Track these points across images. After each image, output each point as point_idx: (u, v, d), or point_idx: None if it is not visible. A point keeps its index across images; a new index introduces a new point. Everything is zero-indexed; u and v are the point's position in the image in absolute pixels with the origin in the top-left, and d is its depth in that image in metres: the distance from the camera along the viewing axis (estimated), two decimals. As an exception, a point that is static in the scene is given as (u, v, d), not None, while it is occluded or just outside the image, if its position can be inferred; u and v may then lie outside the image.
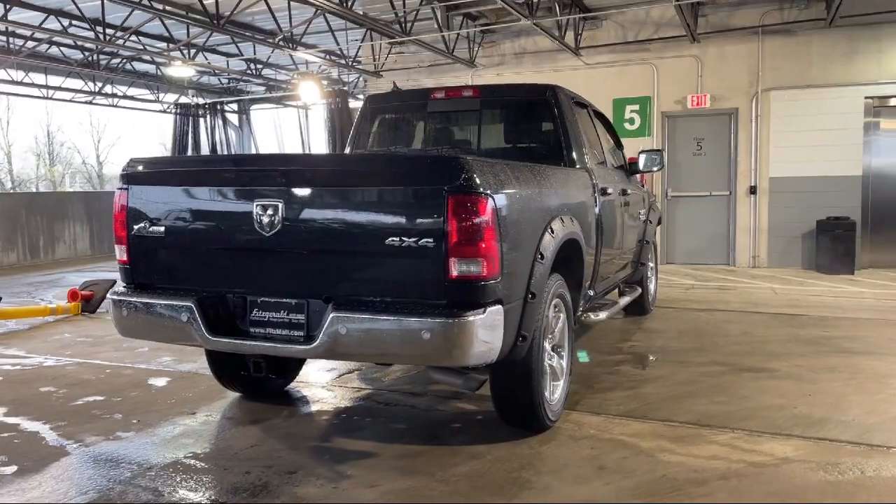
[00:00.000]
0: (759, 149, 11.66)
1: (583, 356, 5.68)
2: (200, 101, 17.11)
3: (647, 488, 3.31)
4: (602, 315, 5.38)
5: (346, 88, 14.64)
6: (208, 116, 16.76)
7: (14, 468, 3.61)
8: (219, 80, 16.93)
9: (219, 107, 17.30)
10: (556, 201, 4.00)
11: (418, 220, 3.14)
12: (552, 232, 3.81)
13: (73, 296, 8.09)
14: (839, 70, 11.19)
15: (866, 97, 11.13)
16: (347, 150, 5.64)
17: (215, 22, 9.41)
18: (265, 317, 3.52)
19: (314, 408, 4.58)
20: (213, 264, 3.64)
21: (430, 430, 4.16)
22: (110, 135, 48.43)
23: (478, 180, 3.10)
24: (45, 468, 3.61)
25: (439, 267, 3.12)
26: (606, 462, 3.62)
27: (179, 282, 3.70)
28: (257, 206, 3.39)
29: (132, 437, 4.06)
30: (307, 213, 3.37)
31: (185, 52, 11.90)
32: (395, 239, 3.16)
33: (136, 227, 3.71)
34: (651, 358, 5.76)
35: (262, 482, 3.41)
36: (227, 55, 14.54)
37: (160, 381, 5.22)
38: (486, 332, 3.16)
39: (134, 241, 3.74)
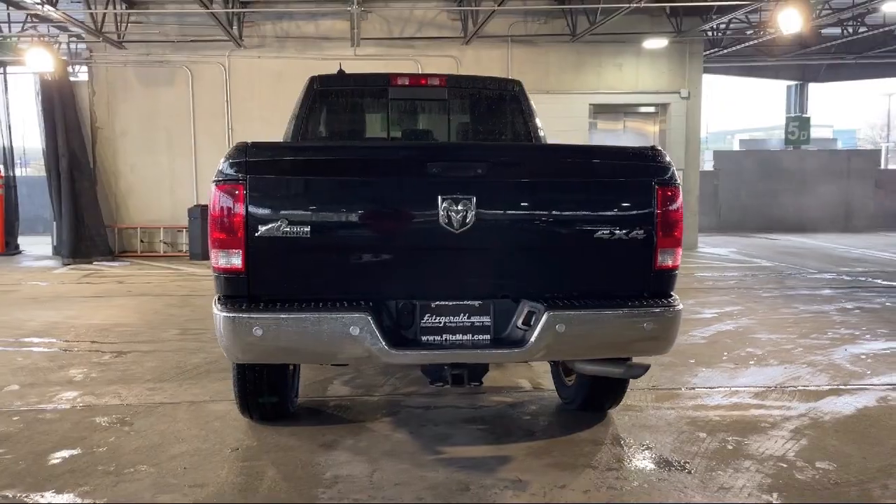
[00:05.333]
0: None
1: None
2: None
3: (777, 444, 3.81)
4: None
5: (65, 58, 12.32)
6: None
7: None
8: None
9: None
10: None
11: (629, 213, 3.19)
12: None
13: None
14: (570, 79, 13.05)
15: (590, 103, 13.18)
16: (291, 134, 5.02)
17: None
18: (440, 322, 3.17)
19: (361, 422, 4.14)
20: (380, 267, 3.14)
21: (512, 426, 4.15)
22: None
23: (677, 173, 3.26)
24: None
25: (648, 258, 3.21)
26: (704, 428, 4.04)
27: (328, 290, 3.10)
28: (445, 200, 3.04)
29: (218, 489, 3.26)
30: (505, 208, 3.14)
31: None
32: (604, 232, 3.15)
33: (262, 227, 2.99)
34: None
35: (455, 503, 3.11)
36: None
37: (112, 420, 4.14)
38: None
39: (258, 245, 3.00)
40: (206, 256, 11.80)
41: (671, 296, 3.30)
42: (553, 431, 4.03)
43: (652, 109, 13.63)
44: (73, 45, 12.81)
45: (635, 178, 3.22)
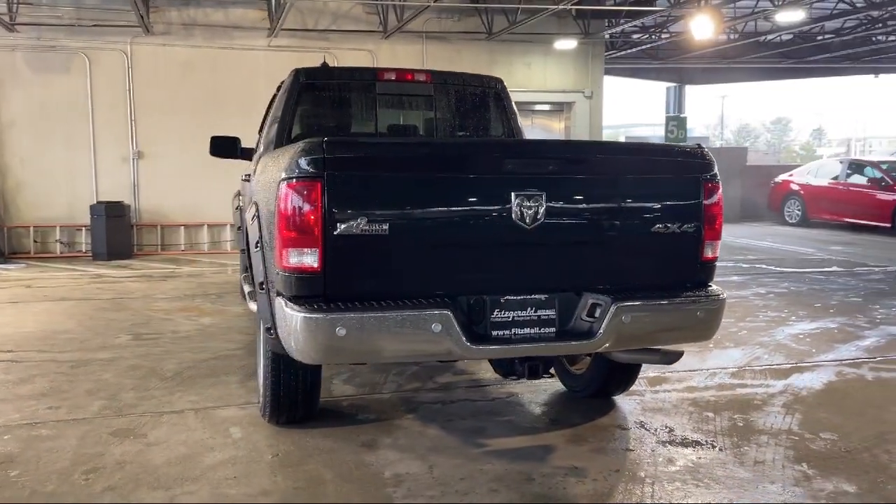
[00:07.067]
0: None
1: None
2: None
3: (778, 419, 4.16)
4: None
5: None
6: None
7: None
8: None
9: None
10: None
11: (681, 207, 3.39)
12: None
13: None
14: (483, 77, 13.26)
15: (501, 101, 13.48)
16: (276, 129, 4.86)
17: None
18: (508, 316, 3.23)
19: (387, 420, 4.11)
20: (455, 263, 3.15)
21: (533, 416, 4.29)
22: None
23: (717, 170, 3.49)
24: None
25: (697, 250, 3.43)
26: (707, 409, 4.34)
27: (403, 288, 3.07)
28: (518, 196, 3.10)
29: (285, 496, 3.15)
30: (572, 204, 3.24)
31: None
32: (660, 226, 3.34)
33: (342, 225, 2.92)
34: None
35: (529, 492, 3.18)
36: None
37: (119, 432, 3.87)
38: None
39: (336, 243, 2.93)
40: (111, 256, 11.06)
41: (712, 285, 3.54)
42: (573, 419, 4.17)
43: (557, 108, 14.15)
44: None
45: (687, 174, 3.42)
